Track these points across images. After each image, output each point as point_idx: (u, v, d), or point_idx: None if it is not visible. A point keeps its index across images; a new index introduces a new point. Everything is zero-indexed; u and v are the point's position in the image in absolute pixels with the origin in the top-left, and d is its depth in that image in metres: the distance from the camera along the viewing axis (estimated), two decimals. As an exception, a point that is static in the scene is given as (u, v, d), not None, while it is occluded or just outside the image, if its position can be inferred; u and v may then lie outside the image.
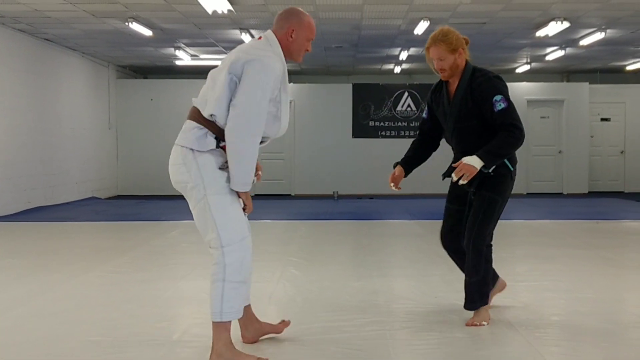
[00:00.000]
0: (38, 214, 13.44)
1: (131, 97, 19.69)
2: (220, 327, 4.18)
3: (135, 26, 13.03)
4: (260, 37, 4.48)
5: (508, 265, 7.58)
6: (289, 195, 19.46)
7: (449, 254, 5.46)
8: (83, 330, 5.01)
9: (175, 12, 12.14)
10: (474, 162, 4.82)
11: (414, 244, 9.47)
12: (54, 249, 9.12)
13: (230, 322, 4.22)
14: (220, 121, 4.18)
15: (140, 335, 4.84)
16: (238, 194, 4.24)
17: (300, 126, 19.72)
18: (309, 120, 19.83)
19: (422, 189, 18.60)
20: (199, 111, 4.25)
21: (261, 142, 4.28)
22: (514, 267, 7.49)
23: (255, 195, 19.04)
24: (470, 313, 5.25)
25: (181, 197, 4.48)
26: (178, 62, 17.93)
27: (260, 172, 4.55)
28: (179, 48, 16.20)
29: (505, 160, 5.02)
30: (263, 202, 16.25)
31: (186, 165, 4.20)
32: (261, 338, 4.66)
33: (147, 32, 13.72)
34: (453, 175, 4.91)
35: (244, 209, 4.31)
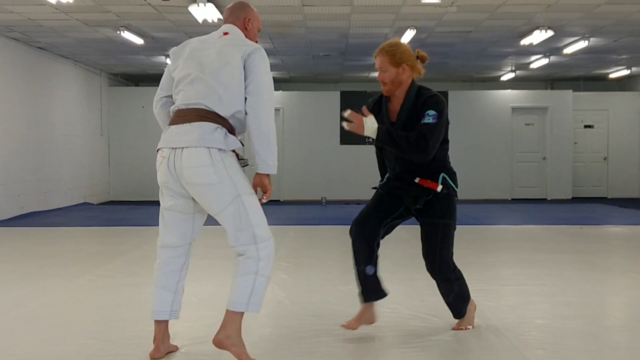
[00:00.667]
0: (31, 219, 13.39)
1: (123, 104, 19.65)
2: (238, 316, 4.17)
3: (127, 35, 13.02)
4: (226, 33, 4.45)
5: (494, 269, 7.60)
6: (278, 200, 19.46)
7: (356, 242, 4.94)
8: (76, 333, 4.99)
9: (166, 21, 12.13)
10: (369, 126, 4.62)
11: (399, 248, 9.45)
12: (47, 253, 9.09)
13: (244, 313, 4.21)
14: (240, 115, 4.22)
15: (132, 338, 4.82)
16: (254, 184, 4.28)
17: (288, 133, 19.71)
18: (298, 127, 19.82)
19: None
20: (212, 111, 4.18)
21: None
22: (499, 271, 7.51)
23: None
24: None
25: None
26: (169, 70, 17.90)
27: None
28: (169, 56, 16.18)
29: (450, 181, 4.80)
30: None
31: (215, 166, 4.10)
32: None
33: (138, 41, 13.72)
34: (344, 123, 4.67)
35: (264, 194, 4.32)
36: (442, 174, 4.80)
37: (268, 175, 4.25)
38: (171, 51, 4.59)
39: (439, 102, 4.70)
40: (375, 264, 4.97)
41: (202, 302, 5.83)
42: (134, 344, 4.69)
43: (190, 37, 4.61)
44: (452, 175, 4.87)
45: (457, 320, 5.12)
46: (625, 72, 18.98)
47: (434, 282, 6.67)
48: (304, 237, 10.73)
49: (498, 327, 5.12)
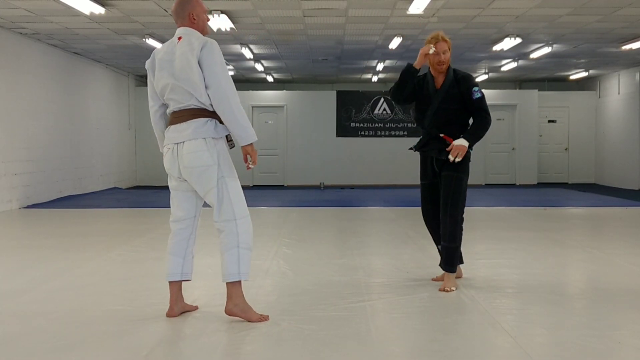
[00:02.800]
0: (68, 201, 13.37)
1: (147, 102, 19.53)
2: (236, 284, 4.33)
3: (151, 42, 12.94)
4: (180, 38, 4.40)
5: (469, 245, 7.57)
6: (282, 185, 19.42)
7: (428, 229, 5.60)
8: (106, 301, 4.99)
9: (185, 29, 12.06)
10: (463, 142, 5.19)
11: (388, 227, 9.46)
12: (81, 231, 9.09)
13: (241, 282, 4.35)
14: (208, 103, 4.29)
15: (155, 305, 4.82)
16: (243, 150, 4.37)
17: (291, 127, 19.67)
18: (299, 121, 19.78)
19: (394, 180, 18.69)
20: (200, 108, 4.30)
21: None
22: (474, 246, 7.50)
23: (254, 185, 19.05)
24: (438, 284, 5.31)
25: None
26: (188, 72, 17.84)
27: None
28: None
29: None
30: (260, 192, 16.22)
31: (209, 151, 4.27)
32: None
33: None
34: (450, 156, 5.18)
35: (251, 162, 4.41)
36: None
37: (251, 144, 4.34)
38: (146, 65, 4.61)
39: (474, 80, 5.38)
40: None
41: (216, 274, 5.80)
42: (157, 309, 4.69)
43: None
44: None
45: (441, 286, 5.18)
46: (584, 74, 18.93)
47: (417, 257, 6.70)
48: (305, 217, 10.70)
49: (473, 295, 5.11)
